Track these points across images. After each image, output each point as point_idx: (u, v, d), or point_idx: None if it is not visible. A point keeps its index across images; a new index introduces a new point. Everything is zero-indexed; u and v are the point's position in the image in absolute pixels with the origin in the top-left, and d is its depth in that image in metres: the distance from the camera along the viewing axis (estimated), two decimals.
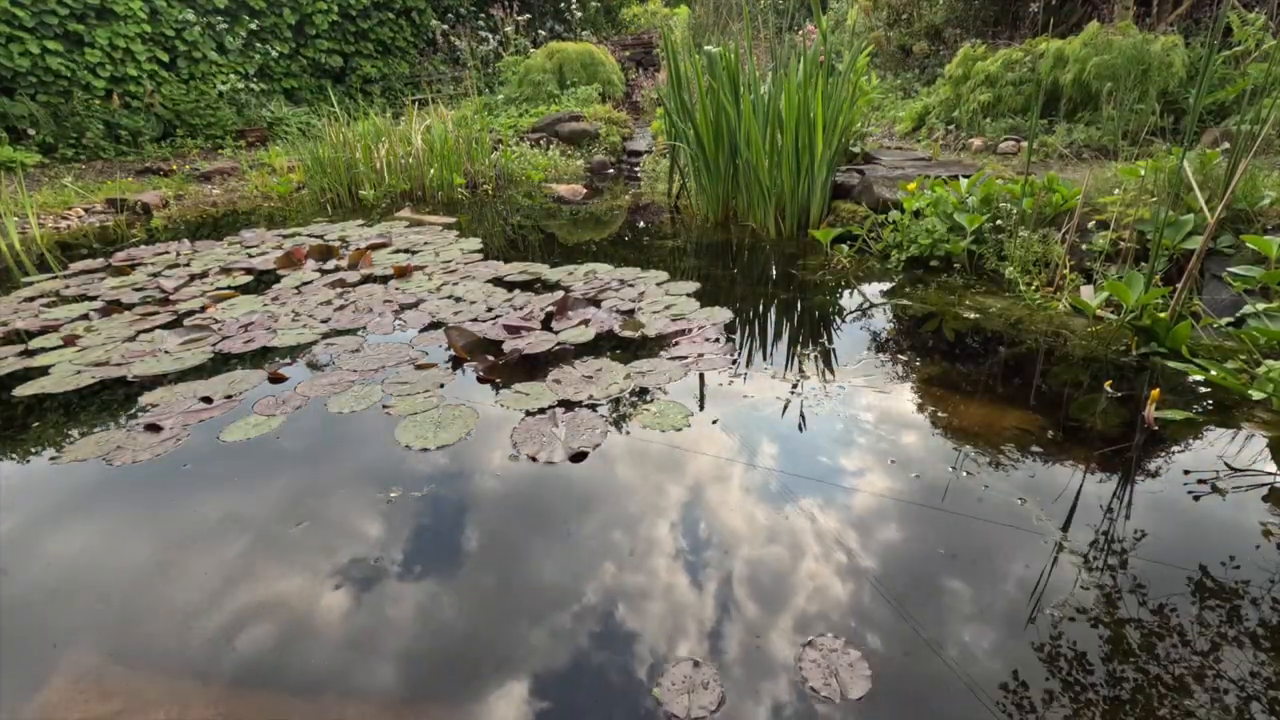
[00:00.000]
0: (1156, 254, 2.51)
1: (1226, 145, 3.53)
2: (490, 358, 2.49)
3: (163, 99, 7.96)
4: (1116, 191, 3.11)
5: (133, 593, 1.45)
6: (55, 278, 3.81)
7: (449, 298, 3.20)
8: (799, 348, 2.59)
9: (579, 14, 10.97)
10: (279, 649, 1.28)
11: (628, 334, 2.67)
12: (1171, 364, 2.22)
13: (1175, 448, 1.83)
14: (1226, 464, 1.75)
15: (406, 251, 4.09)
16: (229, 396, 2.28)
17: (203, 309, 3.17)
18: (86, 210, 5.60)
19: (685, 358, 2.43)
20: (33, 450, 2.03)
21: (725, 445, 1.90)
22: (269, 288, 3.47)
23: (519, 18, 10.38)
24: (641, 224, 4.79)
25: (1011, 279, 3.03)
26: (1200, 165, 2.93)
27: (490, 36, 10.28)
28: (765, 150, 3.97)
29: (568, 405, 2.12)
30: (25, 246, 4.63)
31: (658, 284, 3.26)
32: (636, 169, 7.07)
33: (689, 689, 1.15)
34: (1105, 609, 1.30)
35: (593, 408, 2.10)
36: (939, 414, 2.04)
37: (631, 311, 2.91)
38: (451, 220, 4.96)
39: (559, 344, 2.58)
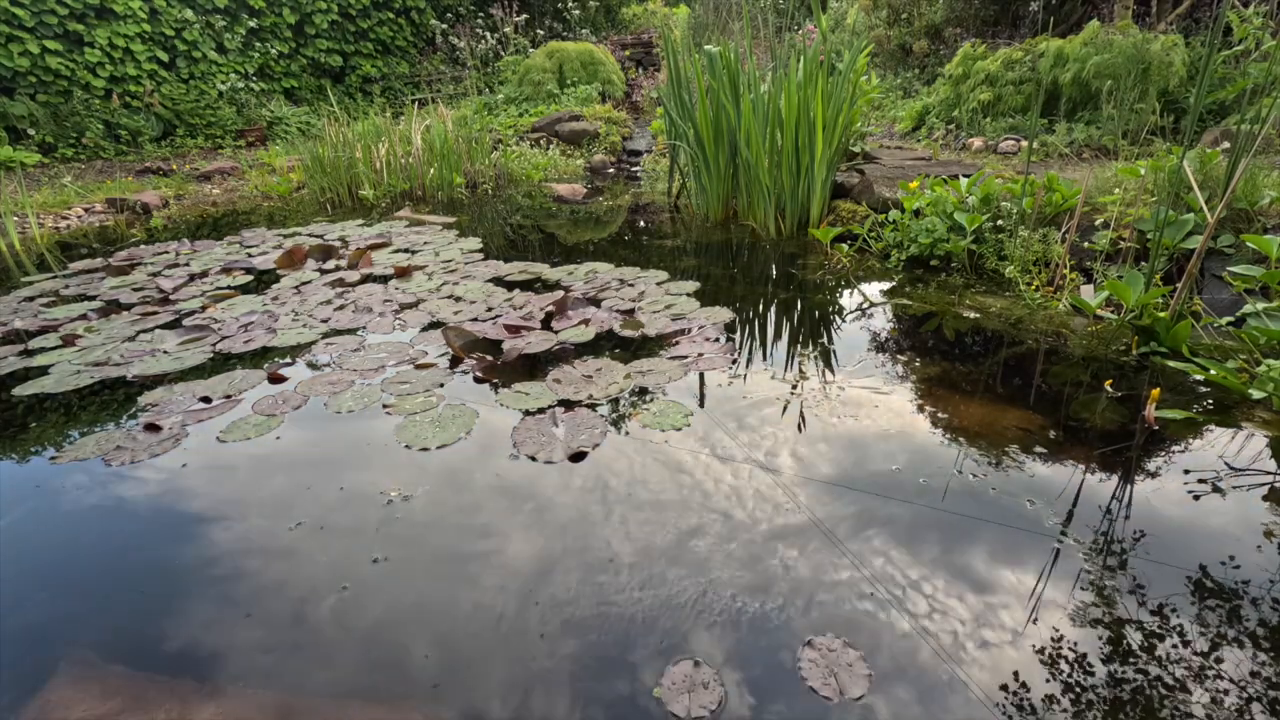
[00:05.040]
0: (1156, 253, 2.51)
1: (1226, 145, 3.53)
2: (490, 357, 2.49)
3: (162, 99, 7.96)
4: (1116, 191, 3.11)
5: (130, 593, 1.45)
6: (55, 277, 3.81)
7: (449, 297, 3.20)
8: (799, 347, 2.59)
9: (578, 13, 10.96)
10: (277, 648, 1.28)
11: (628, 333, 2.67)
12: (1172, 363, 2.22)
13: (1175, 447, 1.83)
14: (1226, 463, 1.75)
15: (406, 251, 4.09)
16: (228, 396, 2.28)
17: (202, 309, 3.17)
18: (86, 210, 5.60)
19: (685, 357, 2.43)
20: (32, 450, 2.03)
21: (725, 445, 1.90)
22: (269, 287, 3.47)
23: (518, 17, 10.37)
24: (641, 223, 4.79)
25: (1011, 278, 3.03)
26: (1200, 165, 2.93)
27: (489, 36, 10.27)
28: (765, 150, 3.96)
29: (567, 405, 2.12)
30: (25, 246, 4.63)
31: (658, 283, 3.25)
32: (636, 169, 7.07)
33: (689, 688, 1.15)
34: (1105, 609, 1.30)
35: (592, 407, 2.10)
36: (939, 414, 2.03)
37: (631, 311, 2.91)
38: (451, 220, 4.95)
39: (559, 343, 2.58)
